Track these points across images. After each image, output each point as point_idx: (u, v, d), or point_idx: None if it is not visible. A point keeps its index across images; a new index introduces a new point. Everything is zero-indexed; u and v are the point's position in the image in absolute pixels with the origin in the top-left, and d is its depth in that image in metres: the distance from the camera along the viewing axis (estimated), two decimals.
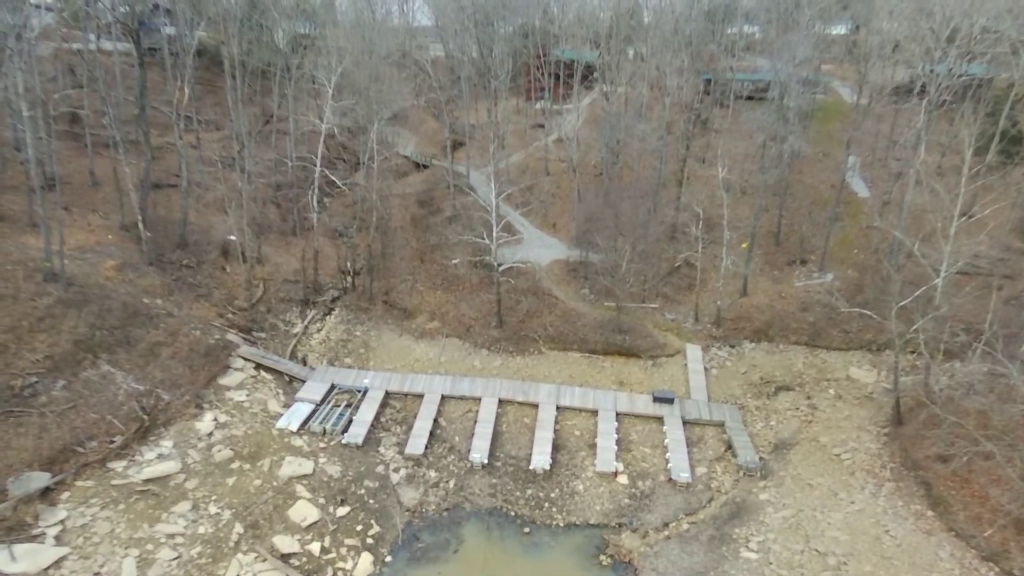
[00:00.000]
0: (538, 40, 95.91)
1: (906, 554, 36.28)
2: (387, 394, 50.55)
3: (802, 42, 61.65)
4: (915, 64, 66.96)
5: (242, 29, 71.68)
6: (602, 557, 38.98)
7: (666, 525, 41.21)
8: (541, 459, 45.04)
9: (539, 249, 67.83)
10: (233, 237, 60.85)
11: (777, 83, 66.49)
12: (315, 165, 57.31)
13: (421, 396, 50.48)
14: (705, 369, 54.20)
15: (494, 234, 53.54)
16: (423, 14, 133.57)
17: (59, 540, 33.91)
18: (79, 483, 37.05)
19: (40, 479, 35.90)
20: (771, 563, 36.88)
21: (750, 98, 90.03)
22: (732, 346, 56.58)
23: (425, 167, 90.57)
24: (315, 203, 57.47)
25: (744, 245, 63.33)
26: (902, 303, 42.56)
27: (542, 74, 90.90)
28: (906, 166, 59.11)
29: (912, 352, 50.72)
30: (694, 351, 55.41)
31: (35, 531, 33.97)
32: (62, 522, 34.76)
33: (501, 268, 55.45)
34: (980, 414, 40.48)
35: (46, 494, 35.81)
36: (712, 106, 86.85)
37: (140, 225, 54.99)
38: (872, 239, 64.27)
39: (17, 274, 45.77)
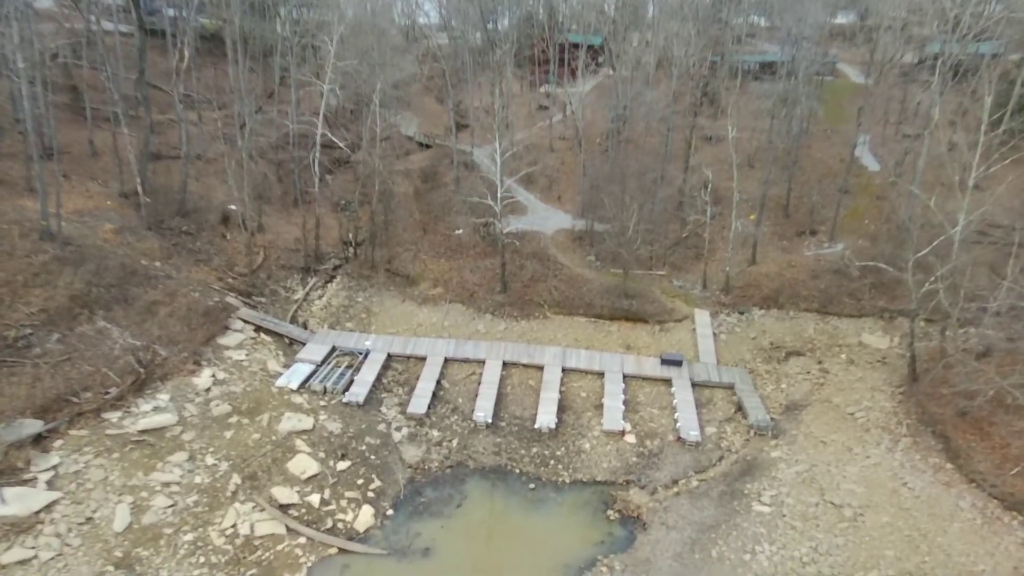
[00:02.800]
0: (543, 22, 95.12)
1: (925, 505, 35.08)
2: (389, 356, 49.43)
3: (813, 3, 60.59)
4: (927, 34, 65.91)
5: (242, 12, 70.87)
6: (609, 512, 37.82)
7: (675, 482, 40.06)
8: (547, 418, 43.89)
9: (544, 220, 66.81)
10: (234, 207, 59.95)
11: (789, 44, 65.21)
12: (316, 129, 56.36)
13: (424, 359, 49.37)
14: (714, 334, 52.95)
15: (499, 194, 52.48)
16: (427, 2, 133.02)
17: (51, 485, 32.93)
18: (73, 432, 36.03)
19: (32, 426, 34.92)
20: (784, 515, 35.72)
21: (757, 78, 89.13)
22: (741, 312, 55.33)
23: (428, 147, 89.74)
24: (316, 167, 56.47)
25: (752, 217, 62.24)
26: (919, 254, 41.35)
27: (547, 48, 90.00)
28: (921, 129, 57.97)
29: (927, 320, 49.33)
30: (703, 316, 54.21)
31: (26, 476, 32.98)
32: (54, 468, 33.76)
33: (505, 231, 54.36)
34: (999, 368, 39.27)
35: (39, 441, 34.81)
36: (720, 80, 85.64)
37: (139, 190, 54.11)
38: (883, 210, 63.09)
39: (13, 232, 44.87)
